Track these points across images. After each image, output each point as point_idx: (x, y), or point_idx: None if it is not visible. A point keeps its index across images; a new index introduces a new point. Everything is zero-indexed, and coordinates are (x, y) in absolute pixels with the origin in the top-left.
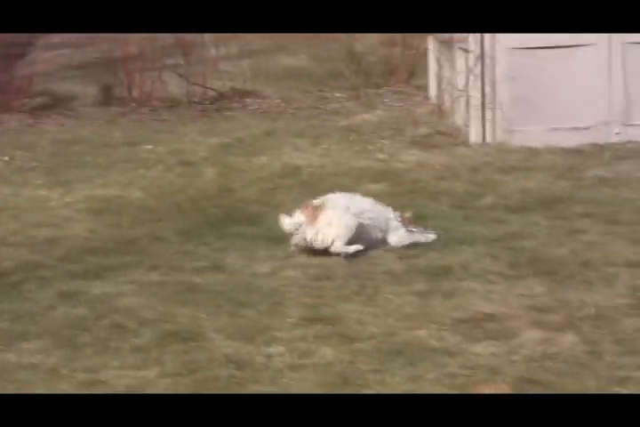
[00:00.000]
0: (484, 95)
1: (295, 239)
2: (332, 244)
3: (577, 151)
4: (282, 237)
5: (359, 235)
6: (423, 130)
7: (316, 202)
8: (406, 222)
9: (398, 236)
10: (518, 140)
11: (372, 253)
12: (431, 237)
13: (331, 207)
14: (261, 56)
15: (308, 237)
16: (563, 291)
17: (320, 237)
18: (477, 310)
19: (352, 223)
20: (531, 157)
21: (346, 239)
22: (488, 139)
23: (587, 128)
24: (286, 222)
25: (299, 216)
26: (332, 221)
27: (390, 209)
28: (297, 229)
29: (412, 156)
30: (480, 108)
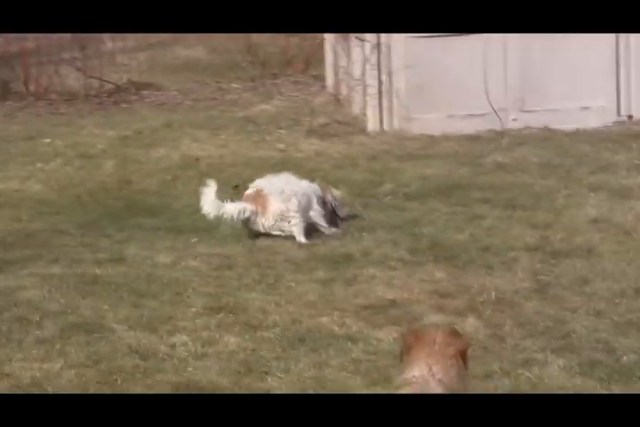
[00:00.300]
0: (380, 84)
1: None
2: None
3: (475, 138)
4: (182, 228)
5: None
6: (321, 119)
7: (254, 188)
8: (329, 199)
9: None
10: (416, 128)
11: (274, 241)
12: (335, 231)
13: (273, 194)
14: (158, 48)
15: (260, 226)
16: (463, 276)
17: (270, 224)
18: (379, 296)
19: (299, 208)
20: (429, 145)
21: (302, 229)
22: (386, 127)
23: (484, 115)
24: (221, 208)
25: (242, 204)
26: (273, 206)
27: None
28: (246, 216)
29: (310, 145)
30: (377, 96)
